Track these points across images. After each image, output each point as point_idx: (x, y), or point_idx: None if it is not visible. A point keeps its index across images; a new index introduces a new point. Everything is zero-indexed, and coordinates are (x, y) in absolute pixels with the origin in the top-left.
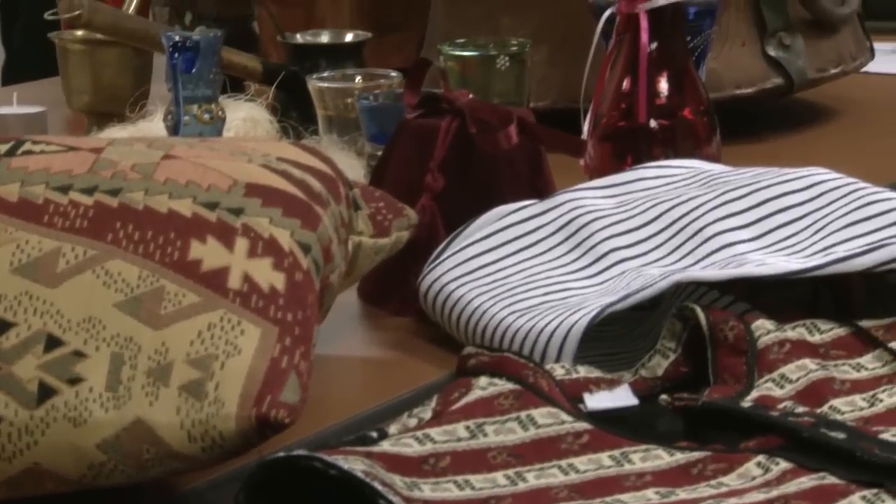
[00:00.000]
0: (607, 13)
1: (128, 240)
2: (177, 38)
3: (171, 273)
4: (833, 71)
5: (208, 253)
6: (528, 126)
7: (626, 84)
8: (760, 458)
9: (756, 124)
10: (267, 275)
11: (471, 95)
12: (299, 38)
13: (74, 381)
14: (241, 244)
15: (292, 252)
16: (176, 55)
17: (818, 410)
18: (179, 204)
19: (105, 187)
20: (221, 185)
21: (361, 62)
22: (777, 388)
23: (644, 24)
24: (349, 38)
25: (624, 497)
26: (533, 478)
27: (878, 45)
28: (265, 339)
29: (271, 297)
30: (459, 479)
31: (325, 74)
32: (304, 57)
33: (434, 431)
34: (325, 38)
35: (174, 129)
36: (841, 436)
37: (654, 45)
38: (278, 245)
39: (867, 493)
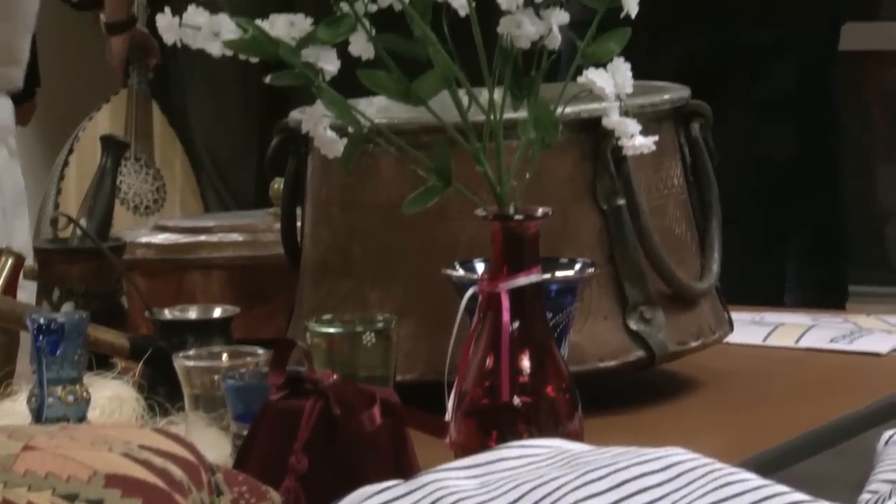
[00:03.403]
0: (470, 291)
1: None
2: (41, 321)
3: None
4: (693, 344)
5: None
6: (391, 407)
7: (489, 361)
8: None
9: (619, 396)
10: None
11: (335, 376)
12: (167, 313)
13: None
14: None
15: None
16: (41, 338)
17: None
18: (39, 496)
19: None
20: (81, 475)
21: (229, 336)
22: None
23: (505, 303)
24: (217, 313)
25: None
26: None
27: (737, 315)
28: None
29: None
30: None
31: (192, 352)
32: (172, 332)
33: None
34: (192, 313)
35: (38, 412)
36: None
37: (516, 324)
38: None
39: None
